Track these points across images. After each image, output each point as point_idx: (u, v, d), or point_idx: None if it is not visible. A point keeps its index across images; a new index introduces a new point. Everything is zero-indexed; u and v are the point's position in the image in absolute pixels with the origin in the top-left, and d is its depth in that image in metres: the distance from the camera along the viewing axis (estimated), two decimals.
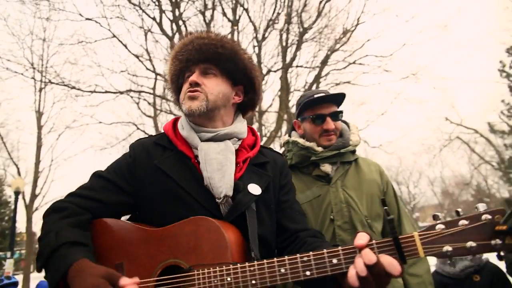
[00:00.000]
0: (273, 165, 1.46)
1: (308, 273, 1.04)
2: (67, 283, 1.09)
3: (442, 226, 0.98)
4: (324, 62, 13.68)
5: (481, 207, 0.98)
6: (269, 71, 13.34)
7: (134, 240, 1.26)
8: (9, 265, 12.38)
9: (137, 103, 15.26)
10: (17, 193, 14.20)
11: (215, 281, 1.10)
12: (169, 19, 12.74)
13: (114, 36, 12.37)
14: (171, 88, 1.53)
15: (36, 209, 19.57)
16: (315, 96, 2.08)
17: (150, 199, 1.32)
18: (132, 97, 13.66)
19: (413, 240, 0.99)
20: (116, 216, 1.35)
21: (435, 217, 1.01)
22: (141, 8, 12.31)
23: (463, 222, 0.97)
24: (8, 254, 13.09)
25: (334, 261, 1.03)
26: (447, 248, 0.96)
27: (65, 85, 12.66)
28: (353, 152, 2.17)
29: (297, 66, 14.15)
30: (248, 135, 1.49)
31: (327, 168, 2.06)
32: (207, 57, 1.40)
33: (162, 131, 1.52)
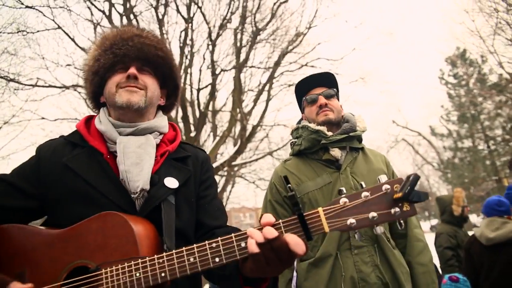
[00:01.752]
0: (194, 160, 1.46)
1: (217, 259, 1.02)
2: None
3: (346, 200, 1.00)
4: (277, 63, 13.87)
5: (382, 178, 1.01)
6: (222, 70, 13.30)
7: (37, 245, 1.18)
8: None
9: (85, 99, 14.54)
10: None
11: (124, 278, 1.06)
12: (119, 12, 12.28)
13: (59, 27, 11.69)
14: (90, 80, 1.43)
15: None
16: (300, 80, 2.31)
17: (58, 201, 1.25)
18: (79, 92, 12.96)
19: (318, 216, 1.00)
20: (19, 223, 1.25)
21: (340, 192, 1.03)
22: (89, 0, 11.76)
23: (365, 194, 0.99)
24: None
25: (243, 244, 1.02)
26: (351, 220, 0.98)
27: (1, 77, 11.76)
28: (360, 141, 2.25)
29: (250, 67, 14.22)
30: (169, 131, 1.50)
31: (336, 152, 2.09)
32: (146, 57, 1.40)
33: None
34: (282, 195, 2.16)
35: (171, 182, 1.31)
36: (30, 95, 15.04)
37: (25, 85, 11.79)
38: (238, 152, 13.13)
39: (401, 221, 1.00)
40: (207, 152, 1.63)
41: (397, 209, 0.98)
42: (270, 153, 15.16)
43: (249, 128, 13.43)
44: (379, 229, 1.03)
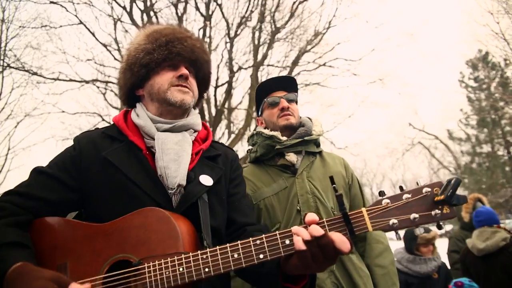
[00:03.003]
0: (224, 159, 1.48)
1: (261, 256, 1.04)
2: None
3: (388, 201, 1.04)
4: (295, 63, 13.84)
5: (422, 181, 1.05)
6: (240, 68, 13.33)
7: (79, 237, 1.19)
8: None
9: (104, 94, 14.78)
10: None
11: (167, 273, 1.07)
12: (139, 9, 12.45)
13: (81, 22, 11.91)
14: (136, 71, 1.41)
15: None
16: (262, 82, 2.25)
17: (97, 193, 1.27)
18: (98, 87, 13.20)
19: (361, 216, 1.04)
20: (60, 215, 1.26)
21: (381, 194, 1.06)
22: None
23: (406, 196, 1.03)
24: None
25: (287, 241, 1.04)
26: (393, 221, 1.02)
27: (26, 71, 12.05)
28: (318, 145, 2.21)
29: (268, 65, 14.22)
30: (201, 129, 1.51)
31: (292, 157, 2.07)
32: (196, 59, 1.45)
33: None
34: None
35: (206, 180, 1.33)
36: (51, 89, 15.34)
37: (48, 78, 12.06)
38: None
39: (441, 223, 1.02)
40: None
41: (438, 211, 1.01)
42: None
43: None
44: (419, 231, 1.06)
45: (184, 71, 1.39)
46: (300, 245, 0.99)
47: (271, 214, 1.97)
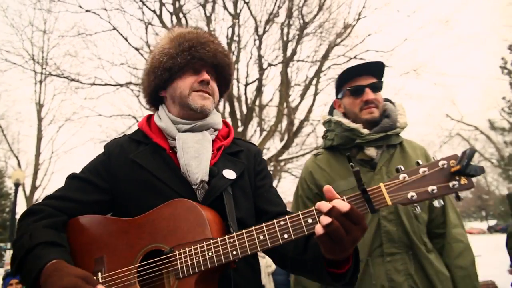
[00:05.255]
0: (247, 153, 1.53)
1: (286, 236, 1.09)
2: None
3: (405, 175, 1.07)
4: (325, 57, 13.60)
5: (438, 156, 1.07)
6: (269, 65, 13.29)
7: (113, 232, 1.27)
8: (9, 256, 12.46)
9: (137, 96, 15.20)
10: (17, 184, 14.23)
11: (197, 258, 1.13)
12: (169, 11, 12.67)
13: (114, 28, 12.32)
14: (159, 74, 1.46)
15: (36, 200, 19.66)
16: (348, 68, 2.04)
17: (127, 193, 1.35)
18: (132, 90, 13.59)
19: (380, 191, 1.07)
20: None
21: (397, 170, 1.09)
22: (141, 0, 12.26)
23: (423, 169, 1.06)
24: (9, 245, 13.16)
25: (309, 220, 1.09)
26: (411, 194, 1.04)
27: (65, 77, 12.62)
28: (398, 134, 2.03)
29: (297, 61, 14.09)
30: (222, 127, 1.57)
31: (372, 152, 1.95)
32: (218, 64, 1.49)
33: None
34: (313, 191, 2.04)
35: (229, 174, 1.39)
36: (88, 93, 16.01)
37: (85, 84, 12.59)
38: (285, 147, 13.11)
39: (459, 194, 1.04)
40: None
41: (455, 182, 1.03)
42: (317, 148, 14.95)
43: (296, 122, 13.35)
44: (438, 203, 1.06)
45: (205, 76, 1.44)
46: (325, 220, 1.01)
47: None
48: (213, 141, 1.48)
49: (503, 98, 29.84)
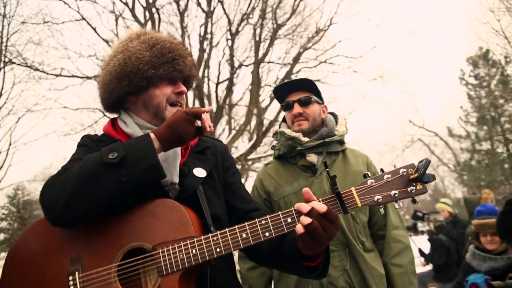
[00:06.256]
0: (214, 150, 1.56)
1: (267, 234, 1.18)
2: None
3: (372, 181, 1.23)
4: (296, 59, 13.86)
5: (398, 165, 1.25)
6: (240, 65, 13.35)
7: (91, 230, 1.25)
8: None
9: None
10: None
11: (181, 255, 1.17)
12: (142, 5, 12.45)
13: (83, 18, 11.93)
14: (136, 82, 1.40)
15: None
16: (277, 85, 2.26)
17: None
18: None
19: (351, 194, 1.22)
20: None
21: (365, 176, 1.24)
22: None
23: (387, 176, 1.23)
24: None
25: (289, 220, 1.18)
26: (378, 197, 1.20)
27: (27, 66, 12.08)
28: (342, 143, 2.22)
29: (269, 62, 14.21)
30: None
31: (312, 158, 2.12)
32: (191, 76, 1.53)
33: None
34: (262, 198, 2.21)
35: (200, 172, 1.42)
36: (52, 84, 15.33)
37: (49, 74, 12.08)
38: (254, 146, 13.22)
39: (415, 198, 1.21)
40: None
41: (413, 188, 1.20)
42: None
43: (265, 123, 13.50)
44: (397, 205, 1.23)
45: (182, 88, 1.47)
46: (305, 220, 1.12)
47: None
48: None
49: (460, 107, 31.49)
